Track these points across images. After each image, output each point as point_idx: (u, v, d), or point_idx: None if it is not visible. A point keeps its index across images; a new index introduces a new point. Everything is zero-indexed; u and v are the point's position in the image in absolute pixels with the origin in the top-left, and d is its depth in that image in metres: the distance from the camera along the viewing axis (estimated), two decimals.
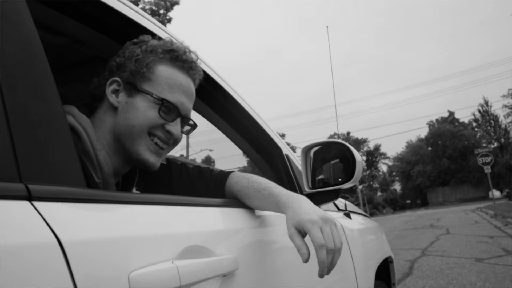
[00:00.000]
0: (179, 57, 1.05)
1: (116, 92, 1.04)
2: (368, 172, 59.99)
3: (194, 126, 1.12)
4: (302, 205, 0.99)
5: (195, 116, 1.15)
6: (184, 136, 1.11)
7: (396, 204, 50.80)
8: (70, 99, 1.06)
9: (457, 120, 55.42)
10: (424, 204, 52.18)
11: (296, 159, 1.72)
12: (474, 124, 53.56)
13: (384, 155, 62.31)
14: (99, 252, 0.61)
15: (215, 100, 1.40)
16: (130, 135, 1.00)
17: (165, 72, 1.03)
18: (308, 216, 0.94)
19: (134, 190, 1.14)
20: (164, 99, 1.01)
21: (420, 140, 57.17)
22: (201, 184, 1.22)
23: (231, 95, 1.39)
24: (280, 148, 1.62)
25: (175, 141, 1.08)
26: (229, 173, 1.24)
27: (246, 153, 1.68)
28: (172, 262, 0.70)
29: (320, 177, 1.60)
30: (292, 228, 0.95)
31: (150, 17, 1.19)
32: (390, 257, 2.50)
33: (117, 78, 1.04)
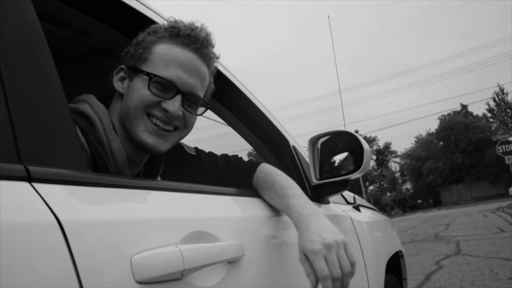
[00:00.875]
0: (179, 33, 1.00)
1: (123, 79, 1.03)
2: (378, 171, 58.69)
3: (206, 106, 1.06)
4: (310, 227, 0.94)
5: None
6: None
7: (406, 205, 47.36)
8: (94, 91, 1.06)
9: (471, 113, 49.34)
10: (437, 203, 47.27)
11: (303, 150, 1.70)
12: (489, 114, 47.33)
13: (394, 153, 60.08)
14: (100, 233, 0.59)
15: (219, 90, 1.38)
16: (128, 117, 0.98)
17: (161, 49, 0.99)
18: (311, 245, 0.90)
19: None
20: (152, 73, 0.96)
21: (430, 134, 51.10)
22: (229, 173, 1.20)
23: (235, 85, 1.37)
24: (287, 139, 1.60)
25: (186, 125, 1.03)
26: (258, 164, 1.21)
27: (252, 144, 1.67)
28: (176, 246, 0.69)
29: (328, 168, 1.58)
30: (301, 254, 0.92)
31: (156, 8, 1.18)
32: (401, 251, 2.47)
33: (122, 66, 1.03)
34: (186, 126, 1.04)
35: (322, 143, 1.59)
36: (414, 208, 46.04)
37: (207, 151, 1.26)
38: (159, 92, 0.97)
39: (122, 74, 1.03)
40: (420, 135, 52.29)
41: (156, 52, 0.99)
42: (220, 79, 1.31)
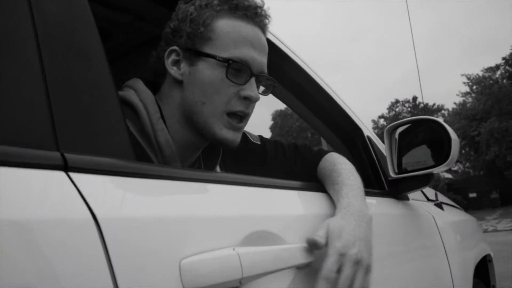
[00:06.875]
0: (239, 5, 0.89)
1: (177, 63, 0.91)
2: None
3: (273, 84, 0.96)
4: (350, 224, 0.80)
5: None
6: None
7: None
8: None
9: None
10: (507, 200, 24.60)
11: (379, 141, 1.54)
12: None
13: (440, 110, 38.32)
14: (143, 233, 0.50)
15: (282, 72, 1.26)
16: (201, 113, 0.88)
17: (225, 26, 0.87)
18: (338, 240, 0.74)
19: (217, 170, 1.02)
20: (230, 59, 0.85)
21: (489, 69, 29.15)
22: (298, 163, 1.10)
23: (300, 66, 1.24)
24: (361, 129, 1.45)
25: (252, 107, 0.93)
26: (326, 152, 1.10)
27: (321, 134, 1.53)
28: (233, 249, 0.59)
29: (407, 160, 1.41)
30: (322, 230, 0.76)
31: None
32: (489, 255, 2.21)
33: (175, 47, 0.91)
34: (251, 111, 0.93)
35: (401, 133, 1.42)
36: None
37: (271, 139, 1.15)
38: (235, 78, 0.87)
39: (174, 57, 0.91)
40: (474, 76, 30.17)
41: (219, 29, 0.88)
42: (283, 59, 1.19)
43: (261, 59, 0.90)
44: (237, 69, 0.87)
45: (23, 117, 0.50)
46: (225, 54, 0.86)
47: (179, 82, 0.90)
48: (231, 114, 0.88)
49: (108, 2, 1.06)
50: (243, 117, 0.90)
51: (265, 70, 0.92)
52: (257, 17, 0.90)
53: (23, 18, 0.54)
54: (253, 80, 0.88)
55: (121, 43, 1.29)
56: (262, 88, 0.96)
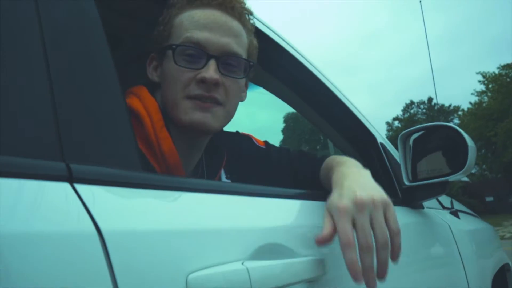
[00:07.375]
0: None
1: (157, 68, 0.93)
2: None
3: (249, 64, 0.92)
4: (345, 182, 0.76)
5: None
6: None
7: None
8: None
9: None
10: None
11: (393, 148, 1.51)
12: None
13: (456, 111, 36.67)
14: (148, 246, 0.49)
15: (291, 76, 1.24)
16: (168, 105, 0.88)
17: (181, 18, 0.88)
18: (339, 200, 0.71)
19: (222, 173, 1.00)
20: (174, 44, 0.85)
21: (505, 67, 26.02)
22: (302, 167, 1.07)
23: (309, 70, 1.21)
24: (374, 135, 1.42)
25: (228, 95, 0.88)
26: (327, 157, 1.07)
27: (333, 141, 1.51)
28: (242, 263, 0.57)
29: (422, 168, 1.37)
30: (325, 211, 0.73)
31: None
32: (507, 264, 2.16)
33: (153, 54, 0.94)
34: (228, 97, 0.88)
35: (415, 140, 1.39)
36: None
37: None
38: (189, 64, 0.85)
39: (155, 62, 0.94)
40: (493, 73, 26.72)
41: (176, 24, 0.88)
42: (292, 63, 1.16)
43: (218, 39, 0.86)
44: (190, 54, 0.85)
45: (27, 126, 0.49)
46: (176, 43, 0.86)
47: (159, 86, 0.92)
48: (193, 98, 0.85)
49: (117, 7, 1.05)
50: (211, 100, 0.86)
51: (231, 50, 0.87)
52: (216, 0, 0.88)
53: (30, 23, 0.53)
54: (211, 62, 0.84)
55: (131, 50, 1.28)
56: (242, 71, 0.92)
